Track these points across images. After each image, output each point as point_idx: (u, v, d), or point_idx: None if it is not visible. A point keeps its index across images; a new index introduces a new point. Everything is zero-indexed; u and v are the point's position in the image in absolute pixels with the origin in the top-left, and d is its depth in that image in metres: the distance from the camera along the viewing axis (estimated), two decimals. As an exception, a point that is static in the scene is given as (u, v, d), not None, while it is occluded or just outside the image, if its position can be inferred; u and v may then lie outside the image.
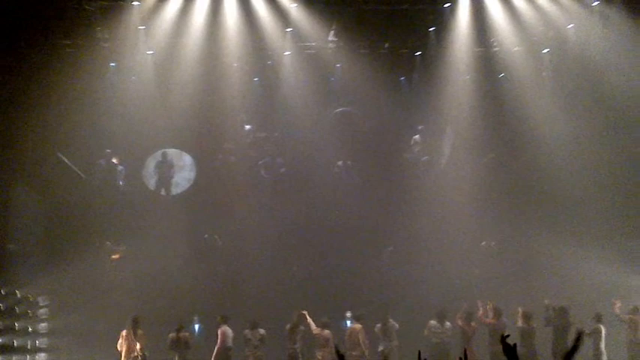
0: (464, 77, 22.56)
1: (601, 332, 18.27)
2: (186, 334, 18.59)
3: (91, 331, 19.54)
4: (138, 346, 17.85)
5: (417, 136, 23.12)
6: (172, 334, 18.34)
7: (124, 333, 17.80)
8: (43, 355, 20.13)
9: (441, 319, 18.75)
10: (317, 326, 18.49)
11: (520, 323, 18.32)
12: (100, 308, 20.04)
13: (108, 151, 22.51)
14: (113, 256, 21.34)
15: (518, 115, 22.16)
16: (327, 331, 18.51)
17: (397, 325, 18.87)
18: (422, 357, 7.06)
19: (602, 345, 18.23)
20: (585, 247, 20.23)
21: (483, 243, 21.72)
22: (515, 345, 6.86)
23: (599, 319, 18.36)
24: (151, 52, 22.40)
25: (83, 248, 20.56)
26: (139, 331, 17.92)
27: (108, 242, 21.46)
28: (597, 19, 21.65)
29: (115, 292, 20.60)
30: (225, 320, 18.69)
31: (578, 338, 7.23)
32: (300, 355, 18.56)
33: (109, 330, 19.33)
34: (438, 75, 22.48)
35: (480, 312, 18.60)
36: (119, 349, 17.76)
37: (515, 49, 22.35)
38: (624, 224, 20.94)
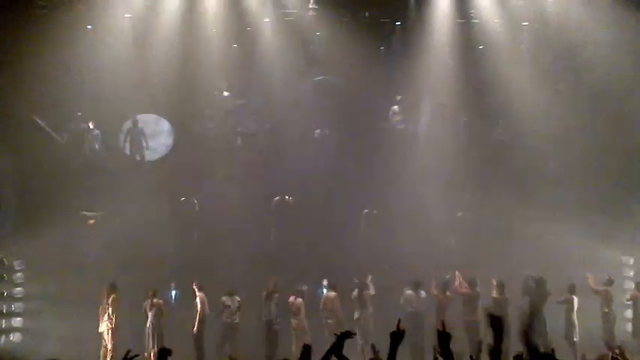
0: (444, 48, 22.56)
1: (573, 302, 18.61)
2: (160, 300, 18.59)
3: (67, 295, 19.43)
4: (110, 310, 17.91)
5: (395, 107, 23.10)
6: (147, 301, 18.36)
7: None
8: (18, 319, 20.11)
9: (416, 288, 18.95)
10: (292, 294, 18.62)
11: (494, 294, 18.59)
12: (75, 273, 19.92)
13: (79, 114, 22.23)
14: (89, 221, 21.18)
15: (497, 87, 22.22)
16: (299, 300, 18.64)
17: (372, 292, 19.02)
18: (399, 325, 7.10)
19: (574, 316, 18.58)
20: (560, 220, 20.46)
21: (460, 214, 21.81)
22: (500, 317, 6.93)
23: (572, 290, 18.68)
24: (129, 15, 22.13)
25: (59, 212, 20.36)
26: (113, 296, 17.98)
27: (84, 208, 21.25)
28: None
29: (90, 256, 20.50)
30: (200, 288, 18.73)
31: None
32: (275, 322, 18.67)
33: (85, 295, 19.29)
34: (417, 45, 22.46)
35: (456, 282, 18.82)
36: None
37: (495, 21, 22.38)
38: (597, 199, 21.17)
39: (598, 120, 21.75)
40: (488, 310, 7.42)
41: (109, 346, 17.91)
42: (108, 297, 18.06)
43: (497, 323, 6.83)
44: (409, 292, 18.95)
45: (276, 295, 18.78)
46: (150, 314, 18.28)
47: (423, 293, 19.05)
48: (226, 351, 18.30)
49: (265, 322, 18.73)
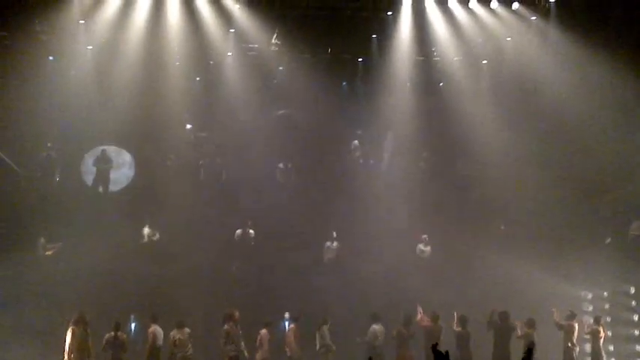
0: (405, 84, 22.91)
1: (532, 337, 18.71)
2: (124, 334, 18.17)
3: (26, 326, 19.06)
4: (67, 343, 17.48)
5: (356, 141, 23.32)
6: (110, 334, 17.96)
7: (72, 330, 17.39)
8: (-24, 350, 19.63)
9: (376, 321, 18.92)
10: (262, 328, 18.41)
11: (457, 327, 18.63)
12: (34, 304, 19.57)
13: (48, 145, 22.04)
14: (48, 252, 20.86)
15: (457, 123, 22.58)
16: (264, 331, 18.48)
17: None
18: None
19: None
20: (520, 254, 20.70)
21: (421, 247, 21.93)
22: (447, 352, 6.99)
23: (531, 324, 18.79)
24: (91, 47, 22.10)
25: (19, 242, 20.08)
26: (72, 328, 17.54)
27: (42, 238, 20.93)
28: (534, 33, 22.34)
29: (49, 288, 20.13)
30: (155, 320, 18.36)
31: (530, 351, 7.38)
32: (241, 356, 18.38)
33: (44, 325, 18.97)
34: (379, 81, 22.78)
35: (419, 316, 18.85)
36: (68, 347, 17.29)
37: (455, 58, 22.82)
38: (556, 234, 21.47)
39: (556, 158, 22.17)
40: (436, 343, 7.47)
41: None
42: (85, 329, 17.47)
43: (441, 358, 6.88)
44: (376, 326, 18.89)
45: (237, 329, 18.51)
46: (111, 349, 17.83)
47: (381, 327, 18.95)
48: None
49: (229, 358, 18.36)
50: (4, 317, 19.47)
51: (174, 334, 18.11)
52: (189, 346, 18.12)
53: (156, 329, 18.11)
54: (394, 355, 18.31)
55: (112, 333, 17.76)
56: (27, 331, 19.01)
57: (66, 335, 17.33)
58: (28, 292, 19.76)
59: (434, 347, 7.08)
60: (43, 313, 19.28)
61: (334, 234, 21.68)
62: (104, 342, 17.75)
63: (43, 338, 18.58)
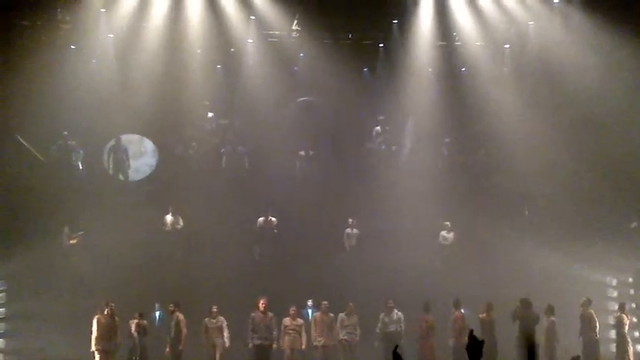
0: (426, 70, 22.76)
1: (554, 324, 18.62)
2: (145, 321, 18.46)
3: (49, 315, 19.28)
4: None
5: (378, 127, 23.23)
6: (133, 321, 18.25)
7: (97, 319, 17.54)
8: (0, 340, 19.84)
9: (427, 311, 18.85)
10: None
11: (480, 314, 18.58)
12: (57, 293, 19.78)
13: (66, 134, 22.12)
14: (71, 241, 20.99)
15: (479, 109, 22.43)
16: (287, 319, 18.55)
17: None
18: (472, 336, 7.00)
19: (555, 336, 18.58)
20: (544, 241, 20.64)
21: (443, 233, 21.84)
22: (482, 341, 6.90)
23: (551, 310, 18.68)
24: (112, 35, 22.11)
25: (41, 232, 20.19)
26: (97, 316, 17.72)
27: (66, 227, 21.06)
28: (558, 17, 22.09)
29: (72, 276, 20.31)
30: (179, 307, 18.52)
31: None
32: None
33: (67, 314, 19.18)
34: (400, 67, 22.65)
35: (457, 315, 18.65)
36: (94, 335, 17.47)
37: (477, 43, 22.62)
38: (580, 220, 21.32)
39: (580, 143, 21.99)
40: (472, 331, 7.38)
41: None
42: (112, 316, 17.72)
43: (475, 347, 6.79)
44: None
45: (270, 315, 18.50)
46: (135, 335, 18.14)
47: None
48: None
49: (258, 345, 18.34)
50: (32, 306, 19.73)
51: (207, 322, 18.31)
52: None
53: (182, 316, 18.30)
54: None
55: (136, 320, 18.17)
56: (55, 319, 19.27)
57: (92, 323, 17.54)
58: (55, 281, 19.97)
59: (471, 334, 6.99)
60: (70, 301, 19.51)
61: (350, 221, 21.64)
62: (127, 329, 18.03)
63: (71, 326, 18.79)
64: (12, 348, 19.63)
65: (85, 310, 18.32)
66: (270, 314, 18.26)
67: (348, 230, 21.80)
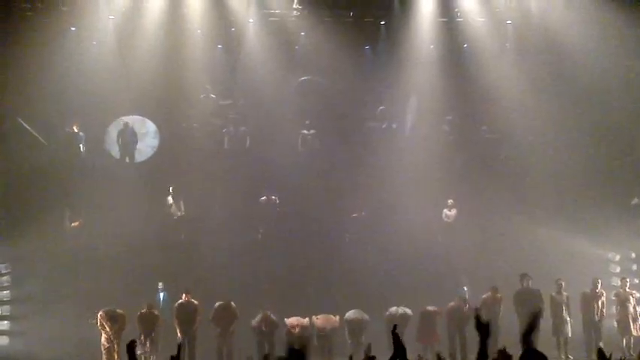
0: (428, 47, 22.61)
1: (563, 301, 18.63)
2: (155, 311, 18.32)
3: (53, 298, 19.40)
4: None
5: (382, 107, 23.14)
6: (142, 311, 18.00)
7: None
8: (5, 322, 20.00)
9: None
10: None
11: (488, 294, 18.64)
12: (61, 275, 19.88)
13: (69, 117, 22.11)
14: (74, 224, 21.08)
15: (481, 86, 22.30)
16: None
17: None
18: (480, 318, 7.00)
19: (565, 314, 18.58)
20: (546, 217, 20.63)
21: (445, 210, 21.84)
22: (489, 322, 6.89)
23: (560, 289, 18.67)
24: (112, 17, 22.03)
25: (44, 216, 20.26)
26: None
27: (68, 210, 21.14)
28: (560, -8, 21.88)
29: (75, 259, 20.42)
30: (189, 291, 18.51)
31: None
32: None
33: (71, 297, 19.30)
34: (402, 44, 22.50)
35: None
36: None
37: (479, 19, 22.44)
38: (583, 196, 21.25)
39: (583, 120, 21.89)
40: (478, 310, 7.38)
41: None
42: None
43: (484, 327, 6.79)
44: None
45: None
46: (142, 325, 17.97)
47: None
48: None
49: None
50: (37, 288, 19.88)
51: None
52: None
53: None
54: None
55: (145, 310, 17.99)
56: (59, 301, 19.40)
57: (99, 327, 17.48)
58: (56, 265, 20.07)
59: (477, 315, 6.96)
60: (74, 283, 19.60)
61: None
62: (137, 317, 17.91)
63: (71, 309, 18.89)
64: (17, 330, 19.81)
65: (89, 292, 18.40)
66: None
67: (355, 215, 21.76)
